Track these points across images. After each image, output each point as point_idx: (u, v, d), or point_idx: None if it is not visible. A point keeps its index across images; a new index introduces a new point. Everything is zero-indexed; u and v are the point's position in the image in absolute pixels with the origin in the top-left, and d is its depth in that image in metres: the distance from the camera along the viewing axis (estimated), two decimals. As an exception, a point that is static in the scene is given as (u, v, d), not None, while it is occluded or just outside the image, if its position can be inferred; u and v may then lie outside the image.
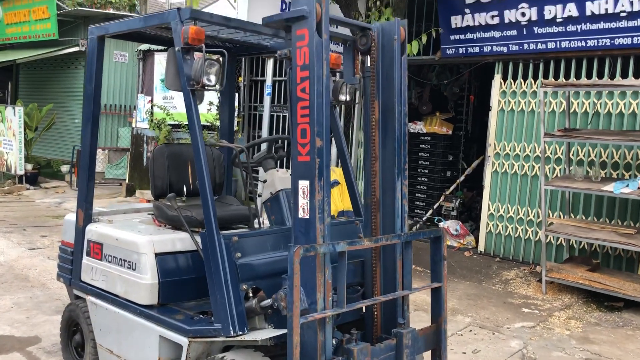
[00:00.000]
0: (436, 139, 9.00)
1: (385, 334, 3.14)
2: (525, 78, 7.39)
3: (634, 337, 5.17)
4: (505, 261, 7.50)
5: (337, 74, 3.94)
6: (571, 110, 6.81)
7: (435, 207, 8.90)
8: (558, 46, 6.86)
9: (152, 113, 12.10)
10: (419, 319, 5.01)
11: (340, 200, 6.97)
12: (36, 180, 13.03)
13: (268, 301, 2.91)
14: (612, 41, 6.44)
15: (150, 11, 14.57)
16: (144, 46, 12.17)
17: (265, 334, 2.92)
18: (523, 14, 6.98)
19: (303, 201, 2.74)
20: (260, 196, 3.58)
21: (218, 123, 10.66)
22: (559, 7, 6.66)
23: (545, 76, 7.19)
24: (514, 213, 7.49)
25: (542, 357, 4.68)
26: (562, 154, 6.97)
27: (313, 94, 2.69)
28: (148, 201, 11.16)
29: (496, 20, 7.26)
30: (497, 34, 7.34)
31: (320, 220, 2.70)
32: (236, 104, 10.60)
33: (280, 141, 3.85)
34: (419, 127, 9.11)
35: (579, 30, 6.62)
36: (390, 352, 2.91)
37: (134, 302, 3.38)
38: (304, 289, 2.67)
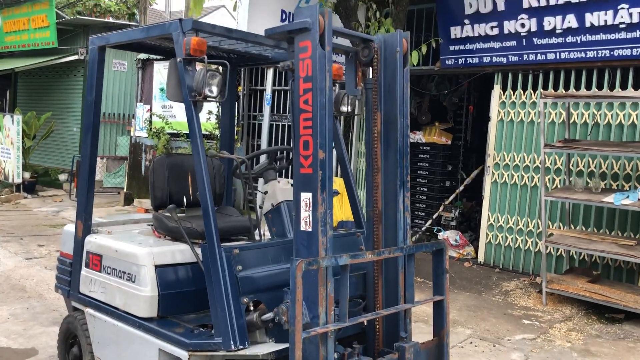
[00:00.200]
0: (435, 149, 9.00)
1: (387, 348, 3.12)
2: (524, 89, 7.40)
3: (636, 349, 5.14)
4: (505, 272, 7.47)
5: (337, 84, 3.93)
6: (571, 121, 6.81)
7: (434, 217, 8.88)
8: (558, 57, 6.87)
9: (150, 122, 12.09)
10: (418, 330, 4.97)
11: (340, 210, 6.94)
12: (34, 188, 12.99)
13: (269, 315, 2.88)
14: (612, 52, 6.45)
15: (149, 20, 14.59)
16: (143, 55, 12.18)
17: (267, 348, 2.89)
18: (522, 25, 7.00)
19: (305, 213, 2.72)
20: (261, 207, 3.56)
21: (217, 132, 10.67)
22: (559, 18, 6.67)
23: (545, 87, 7.20)
24: (513, 224, 7.47)
25: (544, 370, 4.66)
26: (561, 164, 6.97)
27: (316, 106, 2.68)
28: (146, 210, 11.14)
29: (496, 31, 7.27)
30: (496, 45, 7.36)
31: (323, 233, 2.68)
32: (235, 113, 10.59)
33: (281, 152, 3.83)
34: (418, 137, 9.11)
35: (579, 42, 6.63)
36: (392, 367, 2.89)
37: (133, 315, 3.35)
38: (306, 302, 2.64)
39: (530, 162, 7.31)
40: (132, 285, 3.37)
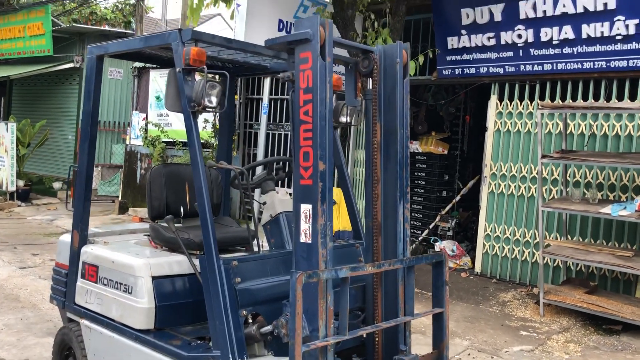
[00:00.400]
0: (432, 158, 9.00)
1: (386, 361, 3.09)
2: (521, 99, 7.41)
3: (634, 361, 5.13)
4: (502, 282, 7.46)
5: (335, 94, 3.92)
6: (568, 132, 6.82)
7: (431, 227, 8.86)
8: (554, 68, 6.90)
9: (146, 130, 12.05)
10: (416, 342, 4.93)
11: (337, 220, 6.92)
12: (28, 197, 12.91)
13: (268, 327, 2.85)
14: (608, 64, 6.48)
15: (145, 28, 14.58)
16: (139, 63, 12.16)
17: (265, 361, 2.86)
18: (519, 36, 7.02)
19: (305, 225, 2.70)
20: (259, 218, 3.53)
21: (213, 140, 10.65)
22: (555, 29, 6.70)
23: (542, 97, 7.22)
24: (510, 234, 7.46)
25: (542, 382, 4.63)
26: (558, 175, 6.97)
27: (316, 117, 2.67)
28: (141, 219, 11.08)
29: (492, 42, 7.29)
30: (493, 55, 7.38)
31: (323, 245, 2.66)
32: (231, 122, 10.57)
33: (279, 162, 3.81)
34: (414, 146, 9.11)
35: (575, 53, 6.66)
36: (392, 380, 2.86)
37: (129, 327, 3.31)
38: (305, 315, 2.61)
39: (527, 172, 7.32)
40: (128, 296, 3.33)
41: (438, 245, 8.32)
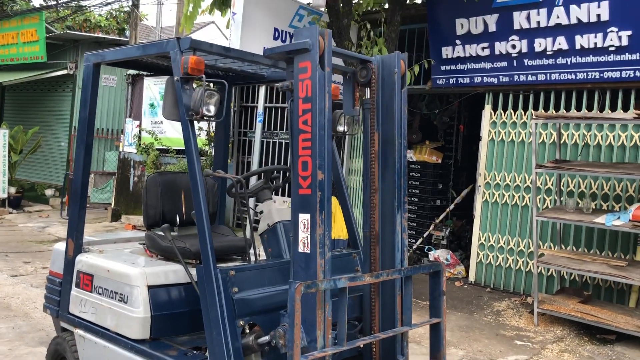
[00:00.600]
0: (426, 167, 9.02)
1: (384, 371, 3.08)
2: (515, 109, 7.46)
3: (628, 371, 5.14)
4: (496, 291, 7.46)
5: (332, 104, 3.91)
6: (561, 142, 6.86)
7: (425, 235, 8.87)
8: (548, 78, 6.94)
9: (139, 137, 12.01)
10: (411, 352, 4.92)
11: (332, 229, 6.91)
12: (19, 204, 12.82)
13: (266, 338, 2.83)
14: (601, 74, 6.53)
15: (139, 35, 14.55)
16: (133, 71, 12.14)
17: (262, 372, 2.84)
18: (513, 46, 7.07)
19: (303, 235, 2.69)
20: (256, 227, 3.51)
21: (207, 148, 10.63)
22: (549, 40, 6.75)
23: (535, 107, 7.27)
24: (504, 243, 7.48)
25: (538, 392, 4.62)
26: (552, 184, 7.00)
27: (315, 127, 2.67)
28: (134, 227, 11.02)
29: (487, 52, 7.34)
30: (487, 65, 7.42)
31: (321, 255, 2.65)
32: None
33: (276, 171, 3.80)
34: (408, 155, 9.13)
35: (569, 63, 6.71)
36: (390, 391, 2.84)
37: (124, 336, 3.28)
38: (303, 325, 2.60)
39: (520, 181, 7.35)
40: (124, 306, 3.31)
41: (432, 254, 8.33)
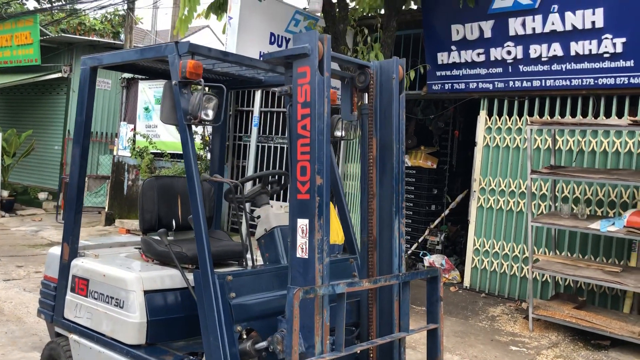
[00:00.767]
0: (421, 172, 9.03)
1: (381, 377, 3.07)
2: (510, 115, 7.48)
3: (623, 377, 5.15)
4: (491, 297, 7.47)
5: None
6: (556, 147, 6.89)
7: (420, 240, 8.88)
8: (543, 84, 6.97)
9: (134, 141, 11.97)
10: (407, 357, 4.92)
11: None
12: (12, 207, 12.74)
13: (263, 344, 2.82)
14: (596, 81, 6.57)
15: (134, 39, 14.54)
16: (128, 74, 12.11)
17: (260, 377, 2.83)
18: (509, 52, 7.10)
19: (302, 240, 2.68)
20: (253, 232, 3.50)
21: (201, 152, 10.60)
22: (544, 46, 6.79)
23: (530, 113, 7.30)
24: (499, 248, 7.49)
25: (533, 398, 4.62)
26: (547, 190, 7.03)
27: (314, 132, 2.66)
28: (128, 231, 10.96)
29: (482, 58, 7.36)
30: (483, 71, 7.45)
31: (320, 260, 2.65)
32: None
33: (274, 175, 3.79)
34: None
35: (564, 70, 6.74)
36: (388, 397, 2.83)
37: (120, 342, 3.26)
38: (301, 331, 2.59)
39: (515, 187, 7.37)
40: (120, 311, 3.29)
41: (427, 259, 8.33)
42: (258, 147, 10.03)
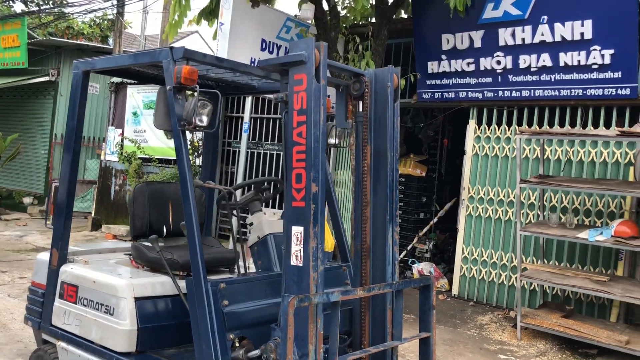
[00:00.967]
0: (410, 180, 9.05)
1: (373, 386, 3.06)
2: (499, 124, 7.53)
3: (611, 385, 5.18)
4: (479, 305, 7.49)
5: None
6: (544, 157, 6.94)
7: (409, 248, 8.89)
8: (532, 94, 7.03)
9: (122, 146, 11.88)
10: (397, 365, 4.92)
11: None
12: (-4, 211, 12.58)
13: (256, 352, 2.80)
14: (584, 91, 6.63)
15: (124, 44, 14.45)
16: (117, 78, 12.04)
17: (252, 386, 2.80)
18: (498, 62, 7.16)
19: (296, 248, 2.67)
20: (246, 239, 3.49)
21: (190, 158, 10.54)
22: (534, 56, 6.85)
23: (519, 123, 7.35)
24: (487, 257, 7.52)
25: (523, 406, 4.63)
26: (535, 199, 7.07)
27: (310, 139, 2.66)
28: (114, 236, 10.87)
29: (472, 67, 7.42)
30: (472, 81, 7.50)
31: (314, 268, 2.63)
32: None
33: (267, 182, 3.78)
34: (393, 168, 9.15)
35: (553, 80, 6.81)
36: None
37: (109, 349, 3.22)
38: (295, 340, 2.57)
39: (504, 196, 7.41)
40: (110, 318, 3.24)
41: (416, 267, 8.34)
42: (248, 153, 10.01)
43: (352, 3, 7.62)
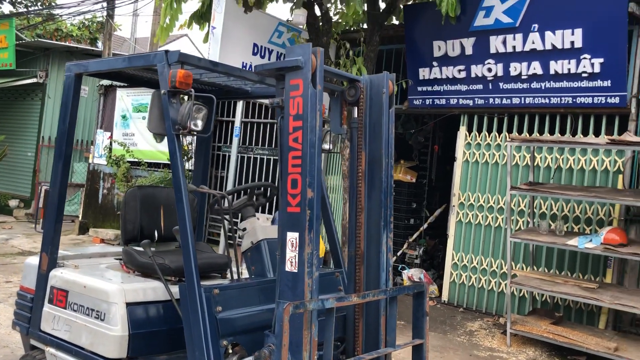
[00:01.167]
0: (400, 186, 9.06)
1: (367, 393, 3.03)
2: (489, 131, 7.57)
3: (600, 392, 5.20)
4: (469, 311, 7.50)
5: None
6: (534, 164, 6.98)
7: (398, 254, 8.89)
8: (523, 102, 7.08)
9: (110, 149, 11.80)
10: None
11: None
12: (-19, 214, 12.43)
13: (249, 359, 2.77)
14: (574, 99, 6.69)
15: (113, 46, 14.36)
16: (106, 81, 11.96)
17: (245, 393, 2.77)
18: (489, 70, 7.20)
19: (291, 254, 2.66)
20: (239, 245, 3.46)
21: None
22: (524, 64, 6.90)
23: (510, 130, 7.39)
24: (477, 263, 7.54)
25: (513, 413, 4.63)
26: (525, 206, 7.11)
27: (306, 144, 2.65)
28: (102, 240, 10.78)
29: (463, 74, 7.45)
30: (463, 88, 7.53)
31: (309, 274, 2.62)
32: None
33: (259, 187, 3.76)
34: (383, 174, 9.15)
35: (543, 88, 6.86)
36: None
37: (100, 355, 3.17)
38: (289, 346, 2.55)
39: (494, 202, 7.44)
40: (100, 323, 3.20)
41: (405, 273, 8.34)
42: (238, 157, 9.97)
43: (344, 8, 7.63)
